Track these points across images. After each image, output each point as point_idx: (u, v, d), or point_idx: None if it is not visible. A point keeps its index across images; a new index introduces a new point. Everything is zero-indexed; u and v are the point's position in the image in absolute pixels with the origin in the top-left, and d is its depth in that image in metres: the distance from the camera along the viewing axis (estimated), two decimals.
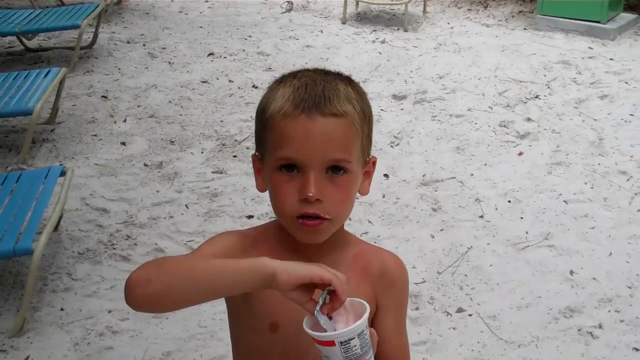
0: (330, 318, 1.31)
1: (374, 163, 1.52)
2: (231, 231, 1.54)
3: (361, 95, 1.45)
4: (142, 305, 1.29)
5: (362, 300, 1.34)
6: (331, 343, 1.28)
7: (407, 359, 1.56)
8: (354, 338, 1.28)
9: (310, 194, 1.35)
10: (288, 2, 9.09)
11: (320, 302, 1.29)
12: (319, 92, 1.38)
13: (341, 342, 1.27)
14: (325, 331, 1.29)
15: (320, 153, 1.36)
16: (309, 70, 1.47)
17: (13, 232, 3.46)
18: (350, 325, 1.28)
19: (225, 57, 7.21)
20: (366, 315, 1.30)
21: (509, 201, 4.68)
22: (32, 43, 7.34)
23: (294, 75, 1.45)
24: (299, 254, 1.46)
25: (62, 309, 3.57)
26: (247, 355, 1.52)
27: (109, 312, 3.56)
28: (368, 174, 1.51)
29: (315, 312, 1.29)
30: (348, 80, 1.46)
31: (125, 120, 5.69)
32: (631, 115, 5.96)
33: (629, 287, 3.86)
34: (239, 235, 1.50)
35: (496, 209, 4.60)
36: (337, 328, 1.30)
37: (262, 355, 1.48)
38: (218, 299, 1.37)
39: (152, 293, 1.26)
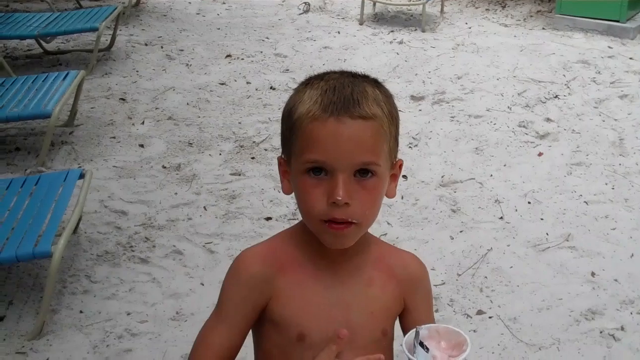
0: (426, 349, 1.32)
1: (401, 166, 1.51)
2: (249, 257, 1.52)
3: (388, 97, 1.45)
4: None
5: (458, 330, 1.36)
6: None
7: None
8: None
9: (339, 198, 1.34)
10: (305, 3, 9.09)
11: (417, 338, 1.32)
12: (348, 94, 1.36)
13: None
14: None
15: (349, 156, 1.35)
16: (335, 72, 1.46)
17: (32, 235, 3.47)
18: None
19: (242, 59, 7.21)
20: (468, 349, 1.32)
21: (529, 202, 4.64)
22: (51, 46, 7.38)
23: (321, 77, 1.44)
24: (323, 257, 1.47)
25: (81, 312, 3.58)
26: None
27: (128, 314, 3.56)
28: (395, 177, 1.50)
29: (416, 346, 1.33)
30: (375, 83, 1.45)
31: (143, 123, 5.70)
32: None
33: None
34: (259, 263, 1.50)
35: (516, 210, 4.56)
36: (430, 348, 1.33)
37: None
38: None
39: None
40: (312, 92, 1.39)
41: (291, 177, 1.44)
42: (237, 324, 1.45)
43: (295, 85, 1.54)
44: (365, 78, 1.45)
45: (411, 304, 1.56)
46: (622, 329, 3.52)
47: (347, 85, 1.39)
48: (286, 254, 1.49)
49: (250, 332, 1.54)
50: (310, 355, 1.41)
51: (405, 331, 1.57)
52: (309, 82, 1.44)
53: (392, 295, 1.53)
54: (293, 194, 1.47)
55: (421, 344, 1.32)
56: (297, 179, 1.41)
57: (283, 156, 1.48)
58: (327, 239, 1.42)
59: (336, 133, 1.34)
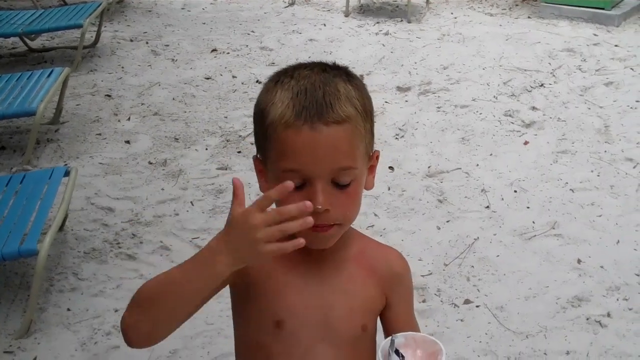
0: (402, 357, 1.32)
1: (377, 157, 1.50)
2: None
3: (361, 90, 1.42)
4: (145, 342, 1.34)
5: (434, 339, 1.37)
6: None
7: None
8: None
9: (319, 207, 1.33)
10: None
11: (392, 346, 1.30)
12: (320, 97, 1.33)
13: None
14: None
15: (326, 164, 1.34)
16: (305, 66, 1.42)
17: (18, 233, 3.46)
18: None
19: (228, 53, 7.20)
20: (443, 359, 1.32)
21: (515, 191, 4.66)
22: (35, 43, 7.35)
23: (290, 74, 1.39)
24: (303, 253, 1.42)
25: (68, 309, 3.57)
26: (251, 353, 1.51)
27: (116, 311, 3.56)
28: (372, 169, 1.49)
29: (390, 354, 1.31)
30: (346, 75, 1.42)
31: (129, 119, 5.69)
32: (637, 101, 5.92)
33: (637, 275, 3.83)
34: None
35: (502, 199, 4.58)
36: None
37: (266, 352, 1.47)
38: (205, 301, 1.37)
39: (146, 331, 1.31)
40: (283, 93, 1.35)
41: (268, 179, 1.43)
42: None
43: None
44: (336, 71, 1.41)
45: (392, 301, 1.55)
46: (609, 315, 3.54)
47: (318, 86, 1.35)
48: None
49: (232, 324, 1.55)
50: (288, 342, 1.42)
51: (385, 328, 1.58)
52: (278, 79, 1.40)
53: (373, 291, 1.52)
54: None
55: (397, 352, 1.32)
56: (274, 185, 1.37)
57: (258, 156, 1.46)
58: (310, 242, 1.40)
59: (311, 142, 1.31)
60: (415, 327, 1.60)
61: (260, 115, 1.39)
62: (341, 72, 1.42)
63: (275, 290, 1.44)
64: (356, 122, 1.36)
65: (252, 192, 4.61)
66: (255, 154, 1.49)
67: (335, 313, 1.47)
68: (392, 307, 1.55)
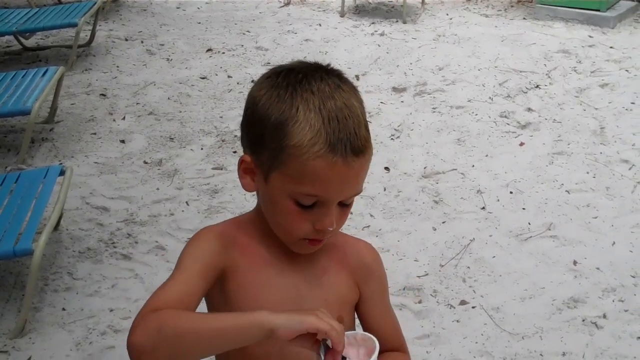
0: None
1: None
2: (208, 230, 1.51)
3: (359, 99, 1.42)
4: None
5: (372, 337, 1.36)
6: None
7: (398, 329, 1.64)
8: None
9: (331, 229, 1.39)
10: None
11: (322, 355, 1.28)
12: (350, 129, 1.33)
13: None
14: None
15: (348, 192, 1.39)
16: (312, 71, 1.40)
17: (12, 232, 3.44)
18: None
19: (223, 53, 7.19)
20: (376, 354, 1.31)
21: (511, 192, 4.66)
22: (30, 42, 7.32)
23: (306, 87, 1.36)
24: (278, 246, 1.48)
25: (63, 309, 3.56)
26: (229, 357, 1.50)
27: (111, 311, 3.55)
28: None
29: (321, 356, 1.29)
30: (351, 88, 1.41)
31: (124, 118, 5.67)
32: (632, 103, 5.93)
33: (633, 277, 3.84)
34: (216, 235, 1.48)
35: (498, 200, 4.58)
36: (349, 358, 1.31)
37: (243, 356, 1.45)
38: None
39: (159, 358, 1.28)
40: (310, 114, 1.33)
41: (267, 187, 1.41)
42: (191, 279, 1.40)
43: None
44: (346, 85, 1.41)
45: (365, 293, 1.57)
46: (604, 316, 3.55)
47: (346, 114, 1.34)
48: (243, 237, 1.49)
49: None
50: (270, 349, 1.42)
51: (361, 321, 1.59)
52: (295, 90, 1.36)
53: (347, 283, 1.54)
54: (256, 192, 1.48)
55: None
56: (279, 198, 1.39)
57: (252, 157, 1.43)
58: (297, 249, 1.47)
59: (343, 174, 1.34)
60: (391, 319, 1.62)
61: (278, 128, 1.35)
62: (347, 85, 1.41)
63: (251, 288, 1.45)
64: (371, 146, 1.40)
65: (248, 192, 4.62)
66: (245, 153, 1.46)
67: (310, 304, 1.47)
68: (366, 299, 1.57)
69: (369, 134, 1.39)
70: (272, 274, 1.48)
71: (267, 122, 1.37)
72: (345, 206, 1.42)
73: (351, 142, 1.33)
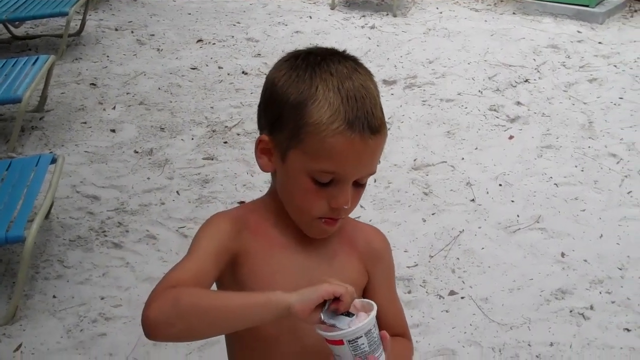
0: (349, 314, 1.33)
1: None
2: (222, 215, 1.54)
3: (374, 82, 1.46)
4: (165, 341, 1.36)
5: (370, 301, 1.38)
6: (340, 342, 1.31)
7: (403, 317, 1.67)
8: (362, 337, 1.31)
9: (346, 207, 1.42)
10: None
11: (326, 307, 1.31)
12: (368, 107, 1.38)
13: (349, 341, 1.31)
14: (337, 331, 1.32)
15: (364, 170, 1.42)
16: (331, 55, 1.45)
17: (4, 220, 3.44)
18: (357, 324, 1.31)
19: (214, 44, 7.18)
20: (373, 314, 1.33)
21: (500, 185, 4.69)
22: (20, 31, 7.29)
23: (325, 68, 1.41)
24: (291, 229, 1.51)
25: (54, 297, 3.57)
26: (241, 338, 1.52)
27: (102, 298, 3.56)
28: None
29: (322, 315, 1.30)
30: (365, 70, 1.46)
31: (114, 108, 5.66)
32: (620, 98, 5.98)
33: (620, 269, 3.88)
34: (230, 219, 1.51)
35: (487, 192, 4.61)
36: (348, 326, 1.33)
37: (255, 329, 1.47)
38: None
39: (174, 334, 1.32)
40: (329, 94, 1.38)
41: (285, 165, 1.44)
42: (205, 259, 1.42)
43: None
44: (361, 69, 1.45)
45: (373, 277, 1.59)
46: (592, 308, 3.59)
47: (363, 94, 1.39)
48: (256, 221, 1.52)
49: None
50: (277, 320, 1.43)
51: None
52: (314, 71, 1.40)
53: (356, 267, 1.57)
54: (271, 173, 1.50)
55: (348, 314, 1.33)
56: (296, 176, 1.42)
57: (269, 136, 1.45)
58: (312, 231, 1.49)
59: (359, 151, 1.38)
60: (396, 305, 1.65)
61: (297, 107, 1.39)
62: (362, 69, 1.45)
63: (262, 270, 1.47)
64: (386, 127, 1.44)
65: (239, 182, 4.64)
66: (263, 133, 1.47)
67: None
68: (374, 284, 1.59)
69: (384, 115, 1.43)
70: (283, 257, 1.50)
71: (286, 101, 1.41)
72: (359, 186, 1.45)
73: (368, 121, 1.37)
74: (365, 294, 1.59)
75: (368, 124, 1.37)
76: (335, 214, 1.43)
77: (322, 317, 1.30)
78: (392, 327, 1.56)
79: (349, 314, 1.32)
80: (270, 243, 1.50)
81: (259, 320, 1.33)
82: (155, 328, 1.29)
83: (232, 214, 1.54)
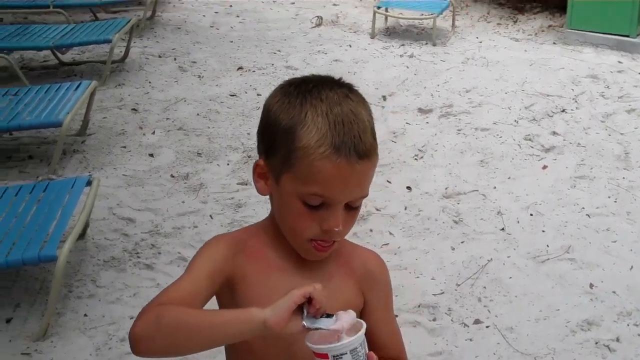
0: (329, 315, 1.36)
1: None
2: (221, 237, 1.60)
3: (368, 108, 1.50)
4: (149, 356, 1.40)
5: (360, 320, 1.41)
6: (325, 356, 1.35)
7: (399, 339, 1.68)
8: (346, 353, 1.34)
9: (337, 230, 1.45)
10: (318, 17, 9.17)
11: (305, 314, 1.35)
12: (355, 132, 1.42)
13: (334, 356, 1.34)
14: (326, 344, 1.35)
15: (352, 194, 1.45)
16: (322, 83, 1.49)
17: (38, 239, 3.56)
18: (343, 340, 1.34)
19: (254, 71, 7.31)
20: (360, 333, 1.35)
21: (531, 214, 4.69)
22: (66, 57, 7.51)
23: (317, 95, 1.45)
24: (288, 252, 1.54)
25: (85, 315, 3.66)
26: (235, 346, 1.57)
27: (131, 318, 3.63)
28: None
29: (304, 322, 1.34)
30: (359, 97, 1.50)
31: (154, 133, 5.80)
32: None
33: None
34: (227, 242, 1.56)
35: (518, 222, 4.60)
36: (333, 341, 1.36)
37: (249, 345, 1.51)
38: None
39: (156, 350, 1.37)
40: (318, 119, 1.42)
41: (279, 189, 1.49)
42: (197, 281, 1.48)
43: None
44: (354, 95, 1.49)
45: (370, 300, 1.61)
46: (618, 340, 3.56)
47: (352, 119, 1.43)
48: (253, 244, 1.56)
49: None
50: (271, 341, 1.47)
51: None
52: (305, 98, 1.46)
53: (352, 289, 1.59)
54: (269, 196, 1.55)
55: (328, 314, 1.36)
56: (289, 199, 1.46)
57: (265, 162, 1.51)
58: (307, 254, 1.52)
59: (346, 175, 1.41)
60: (392, 328, 1.67)
61: (288, 132, 1.44)
62: (355, 95, 1.50)
63: (258, 292, 1.51)
64: (377, 153, 1.47)
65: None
66: (259, 159, 1.54)
67: None
68: (371, 306, 1.62)
69: (376, 141, 1.47)
70: (279, 279, 1.53)
71: (278, 127, 1.46)
72: (352, 210, 1.48)
73: (355, 145, 1.41)
74: (362, 316, 1.60)
75: (355, 148, 1.41)
76: (328, 236, 1.47)
77: (305, 323, 1.34)
78: (388, 348, 1.60)
79: (329, 315, 1.36)
80: (268, 265, 1.55)
81: (238, 336, 1.37)
82: (138, 342, 1.36)
83: (231, 237, 1.59)
